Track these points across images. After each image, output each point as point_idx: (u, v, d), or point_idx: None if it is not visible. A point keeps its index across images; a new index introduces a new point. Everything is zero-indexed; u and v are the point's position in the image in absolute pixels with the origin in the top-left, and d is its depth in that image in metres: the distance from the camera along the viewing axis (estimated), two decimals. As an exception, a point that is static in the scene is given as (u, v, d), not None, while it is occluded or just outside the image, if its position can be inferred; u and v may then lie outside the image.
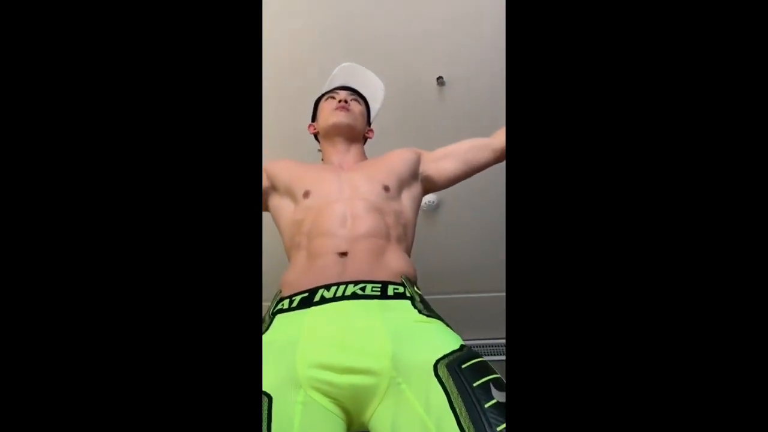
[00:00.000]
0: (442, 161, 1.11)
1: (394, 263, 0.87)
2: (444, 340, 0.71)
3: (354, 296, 0.78)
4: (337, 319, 0.74)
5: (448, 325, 0.78)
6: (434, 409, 0.60)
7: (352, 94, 1.19)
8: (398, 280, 0.84)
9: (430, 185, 1.11)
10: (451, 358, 0.66)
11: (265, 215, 1.02)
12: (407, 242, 0.99)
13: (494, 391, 0.61)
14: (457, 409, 0.59)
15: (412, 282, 0.87)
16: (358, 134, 1.16)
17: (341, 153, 1.12)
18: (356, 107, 1.16)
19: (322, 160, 1.18)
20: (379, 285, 0.80)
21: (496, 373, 0.65)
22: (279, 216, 1.04)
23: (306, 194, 0.98)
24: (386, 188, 0.98)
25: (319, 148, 1.21)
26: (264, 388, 0.64)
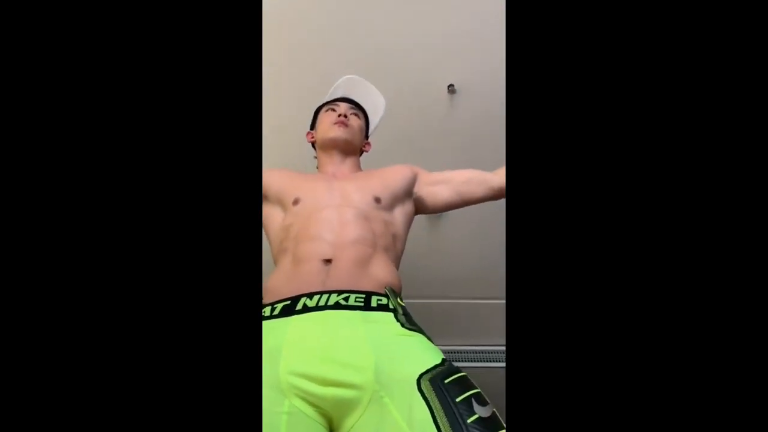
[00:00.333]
0: (437, 186, 1.10)
1: (379, 273, 0.88)
2: (426, 355, 0.72)
3: (337, 306, 0.78)
4: (320, 330, 0.75)
5: (429, 339, 0.79)
6: (417, 423, 0.61)
7: (352, 108, 1.20)
8: (382, 291, 0.85)
9: (421, 207, 1.11)
10: (434, 372, 0.67)
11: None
12: (395, 253, 0.99)
13: (476, 406, 0.62)
14: (441, 424, 0.60)
15: (397, 293, 0.88)
16: (354, 148, 1.17)
17: (336, 164, 1.13)
18: (355, 122, 1.17)
19: (317, 168, 1.19)
20: (363, 295, 0.81)
21: (477, 388, 0.66)
22: (268, 224, 1.04)
23: (296, 201, 0.98)
24: (377, 200, 0.99)
25: (315, 155, 1.22)
26: None
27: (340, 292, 0.80)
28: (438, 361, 0.71)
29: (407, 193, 1.08)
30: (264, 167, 1.02)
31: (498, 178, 1.08)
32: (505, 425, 0.62)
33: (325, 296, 0.79)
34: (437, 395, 0.63)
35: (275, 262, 0.98)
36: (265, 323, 0.79)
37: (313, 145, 1.24)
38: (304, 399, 0.68)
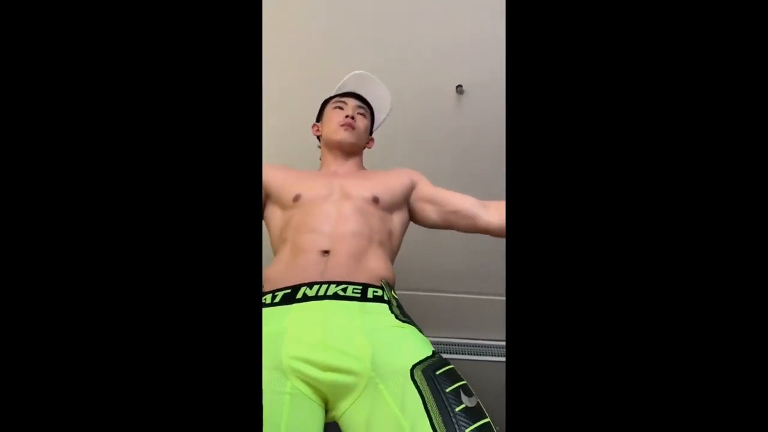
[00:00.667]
0: (427, 205, 1.11)
1: (374, 266, 0.92)
2: (418, 347, 0.78)
3: (335, 296, 0.82)
4: (320, 318, 0.79)
5: (420, 331, 0.84)
6: (409, 410, 0.67)
7: (359, 106, 1.20)
8: (378, 284, 0.89)
9: (411, 216, 1.13)
10: (426, 364, 0.73)
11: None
12: (391, 248, 1.03)
13: (463, 397, 0.68)
14: (431, 412, 0.65)
15: (391, 286, 0.93)
16: (359, 149, 1.20)
17: (339, 163, 1.16)
18: (361, 122, 1.19)
19: (320, 159, 1.22)
20: (360, 287, 0.85)
21: (464, 380, 0.72)
22: (269, 219, 1.07)
23: (297, 198, 1.02)
24: (376, 199, 1.02)
25: (319, 144, 1.24)
26: None
27: (338, 283, 0.85)
28: (429, 353, 0.76)
29: (404, 200, 1.11)
30: (270, 162, 1.06)
31: (487, 218, 1.04)
32: (488, 416, 0.67)
33: (324, 286, 0.84)
34: (429, 385, 0.69)
35: (274, 252, 1.03)
36: (267, 310, 0.84)
37: (318, 137, 1.25)
38: (304, 381, 0.74)
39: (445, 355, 0.79)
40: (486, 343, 2.57)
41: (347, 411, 0.73)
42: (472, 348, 2.51)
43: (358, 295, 0.84)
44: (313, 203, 1.00)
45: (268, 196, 1.09)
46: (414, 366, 0.72)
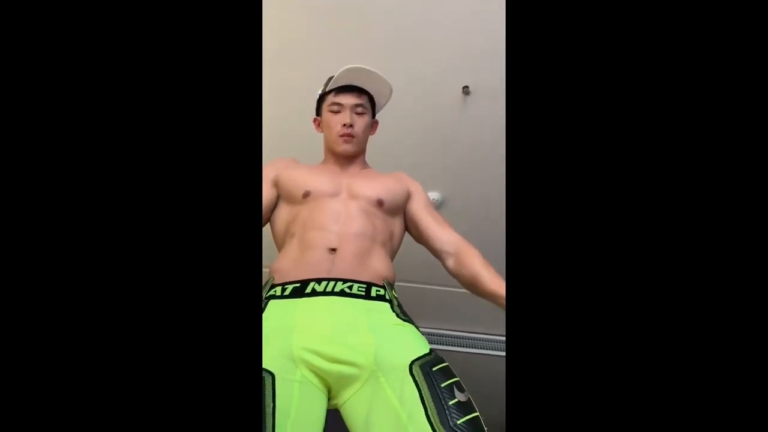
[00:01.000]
0: (412, 220, 1.14)
1: (377, 266, 0.98)
2: (417, 344, 0.85)
3: (342, 293, 0.89)
4: (328, 312, 0.86)
5: (418, 329, 0.91)
6: (407, 401, 0.74)
7: (357, 105, 1.14)
8: (380, 283, 0.96)
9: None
10: (423, 360, 0.80)
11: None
12: (392, 248, 1.09)
13: (456, 392, 0.76)
14: (427, 404, 0.73)
15: (392, 286, 0.99)
16: (361, 151, 1.19)
17: (342, 165, 1.16)
18: (361, 124, 1.14)
19: (324, 151, 1.21)
20: (364, 285, 0.92)
21: (458, 377, 0.79)
22: (276, 212, 1.10)
23: (306, 194, 1.05)
24: (380, 202, 1.07)
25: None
26: (265, 366, 0.75)
27: (344, 281, 0.91)
28: (426, 350, 0.84)
29: (403, 206, 1.14)
30: (271, 150, 1.06)
31: (450, 266, 1.07)
32: (478, 411, 0.75)
33: (331, 283, 0.90)
34: (426, 380, 0.76)
35: (278, 244, 1.08)
36: (278, 302, 0.90)
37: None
38: (312, 370, 0.80)
39: (434, 346, 0.86)
40: (480, 336, 2.64)
41: (349, 400, 0.80)
42: (465, 341, 2.57)
43: (363, 294, 0.91)
44: (321, 200, 1.04)
45: (276, 187, 1.10)
46: (413, 362, 0.79)
